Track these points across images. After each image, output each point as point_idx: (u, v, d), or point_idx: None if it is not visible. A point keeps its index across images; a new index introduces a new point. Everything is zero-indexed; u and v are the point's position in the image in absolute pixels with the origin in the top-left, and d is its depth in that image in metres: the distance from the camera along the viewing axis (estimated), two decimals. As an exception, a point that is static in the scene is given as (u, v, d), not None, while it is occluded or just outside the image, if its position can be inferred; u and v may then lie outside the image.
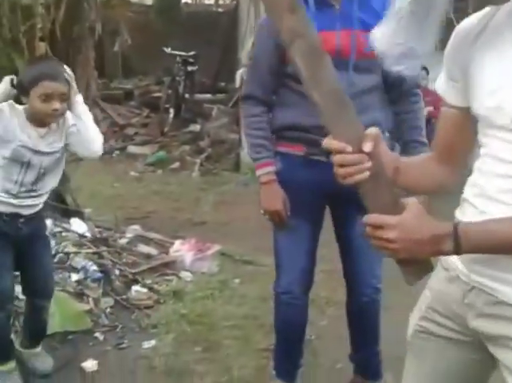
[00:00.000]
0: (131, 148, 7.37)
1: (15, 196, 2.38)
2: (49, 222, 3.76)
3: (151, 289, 3.49)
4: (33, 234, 2.49)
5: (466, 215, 1.22)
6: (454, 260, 1.23)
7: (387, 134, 2.29)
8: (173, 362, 2.83)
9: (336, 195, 2.12)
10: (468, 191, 1.24)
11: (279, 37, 1.96)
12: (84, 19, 7.93)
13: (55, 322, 2.98)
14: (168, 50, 8.16)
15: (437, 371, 1.33)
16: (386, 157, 1.19)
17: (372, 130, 1.13)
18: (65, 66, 2.44)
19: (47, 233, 2.64)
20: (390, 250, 1.10)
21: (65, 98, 2.32)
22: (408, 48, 1.16)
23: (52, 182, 2.48)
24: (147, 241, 4.18)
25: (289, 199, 2.24)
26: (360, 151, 1.10)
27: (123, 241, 4.00)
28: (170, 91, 8.16)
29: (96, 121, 8.55)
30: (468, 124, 1.24)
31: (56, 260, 3.34)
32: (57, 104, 2.28)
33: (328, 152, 2.14)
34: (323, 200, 2.30)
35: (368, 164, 1.10)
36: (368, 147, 1.09)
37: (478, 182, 1.21)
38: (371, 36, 1.20)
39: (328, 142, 1.12)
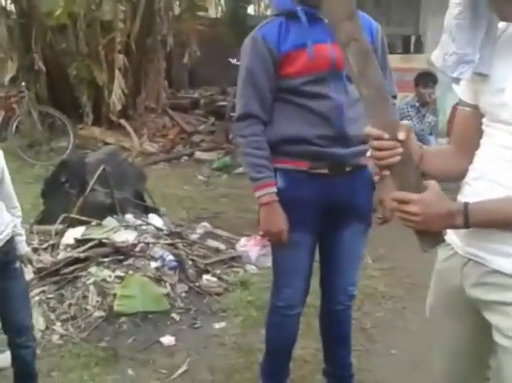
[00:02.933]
0: (199, 154, 7.78)
1: None
2: (129, 216, 4.19)
3: (220, 278, 3.83)
4: (2, 267, 2.32)
5: (465, 196, 1.41)
6: (453, 237, 1.45)
7: None
8: (241, 341, 3.15)
9: (335, 205, 2.21)
10: (469, 175, 1.44)
11: (276, 52, 2.12)
12: (156, 32, 8.52)
13: (137, 303, 3.37)
14: (234, 61, 8.54)
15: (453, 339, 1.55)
16: (413, 146, 1.41)
17: (405, 122, 1.37)
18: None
19: (17, 265, 2.39)
20: (412, 221, 1.33)
21: None
22: (461, 55, 1.35)
23: (3, 212, 2.33)
24: (216, 237, 4.51)
25: (291, 215, 2.19)
26: (395, 138, 1.32)
27: (194, 236, 4.36)
28: (234, 100, 8.53)
29: (166, 128, 9.06)
30: (479, 119, 1.43)
31: (137, 249, 3.74)
32: None
33: (332, 165, 2.20)
34: (323, 212, 2.25)
35: (400, 150, 1.32)
36: (401, 135, 1.32)
37: (478, 166, 1.42)
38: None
39: (368, 129, 1.33)
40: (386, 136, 1.31)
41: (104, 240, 3.69)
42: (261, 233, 2.30)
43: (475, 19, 1.32)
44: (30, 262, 2.64)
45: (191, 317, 3.41)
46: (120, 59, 7.71)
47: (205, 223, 4.75)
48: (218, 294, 3.66)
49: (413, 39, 7.74)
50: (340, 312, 2.45)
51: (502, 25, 1.38)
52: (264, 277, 3.86)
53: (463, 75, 1.37)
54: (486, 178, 1.38)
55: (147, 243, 3.78)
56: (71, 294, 3.39)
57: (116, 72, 7.63)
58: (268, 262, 4.16)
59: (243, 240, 4.38)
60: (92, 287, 3.40)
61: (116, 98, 7.58)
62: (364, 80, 1.29)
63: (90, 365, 2.91)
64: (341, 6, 1.26)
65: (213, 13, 13.11)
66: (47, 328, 3.19)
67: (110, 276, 3.47)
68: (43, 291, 3.39)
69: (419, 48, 7.66)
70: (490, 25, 1.35)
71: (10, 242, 2.36)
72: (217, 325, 3.33)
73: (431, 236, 1.37)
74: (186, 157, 7.80)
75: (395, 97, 2.38)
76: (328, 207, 2.23)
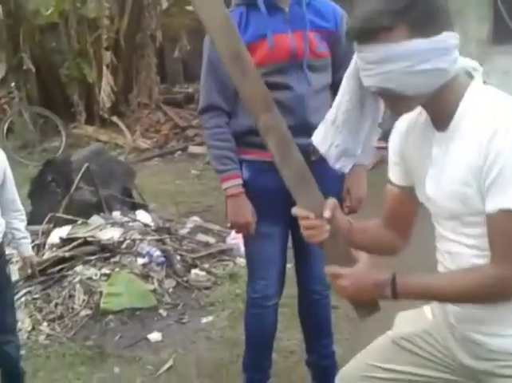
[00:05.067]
0: (192, 148, 7.75)
1: None
2: (116, 213, 4.17)
3: (208, 272, 3.81)
4: None
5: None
6: (448, 316, 1.43)
7: None
8: (228, 334, 3.14)
9: None
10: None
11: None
12: (145, 28, 8.47)
13: (123, 300, 3.36)
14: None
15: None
16: (342, 221, 1.46)
17: (331, 200, 1.42)
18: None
19: (7, 271, 2.45)
20: (343, 294, 1.39)
21: None
22: (344, 149, 1.44)
23: None
24: (206, 231, 4.49)
25: (259, 206, 2.18)
26: (321, 217, 1.38)
27: (184, 231, 4.34)
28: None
29: (159, 124, 9.01)
30: (409, 198, 1.47)
31: (124, 246, 3.72)
32: None
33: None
34: (291, 202, 2.32)
35: (327, 227, 1.39)
36: (327, 213, 1.39)
37: (437, 256, 1.46)
38: (313, 138, 1.48)
39: (295, 210, 1.41)
40: (312, 215, 1.38)
41: (89, 238, 3.68)
42: (228, 225, 2.29)
43: (361, 116, 1.40)
44: (32, 265, 2.64)
45: (179, 313, 3.40)
46: (108, 56, 7.69)
47: (195, 218, 4.74)
48: (206, 288, 3.65)
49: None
50: (317, 301, 2.44)
51: (410, 117, 1.41)
52: (253, 269, 3.85)
53: (345, 168, 1.47)
54: (443, 266, 1.43)
55: (134, 240, 3.77)
56: (57, 294, 3.38)
57: (104, 69, 7.60)
58: (257, 254, 4.16)
59: (233, 233, 4.36)
60: (78, 286, 3.40)
61: (105, 95, 7.55)
62: (286, 165, 1.38)
63: (76, 364, 2.91)
64: (259, 100, 1.34)
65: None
66: (33, 328, 3.19)
67: (96, 274, 3.46)
68: (29, 292, 3.39)
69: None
70: (373, 121, 1.43)
71: (1, 246, 2.36)
72: (204, 320, 3.32)
73: (366, 305, 1.44)
74: (179, 152, 7.78)
75: None
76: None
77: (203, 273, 3.79)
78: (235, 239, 4.30)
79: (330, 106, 2.20)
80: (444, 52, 1.22)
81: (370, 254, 1.43)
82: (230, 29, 1.31)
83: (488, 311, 1.32)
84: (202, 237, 4.32)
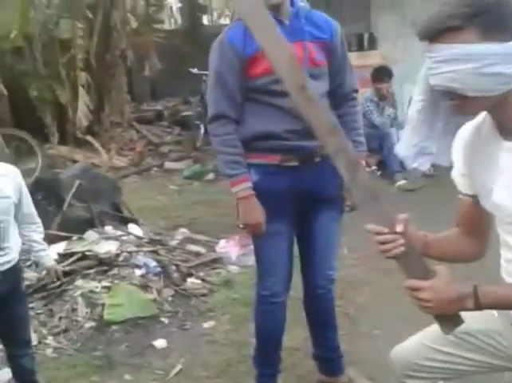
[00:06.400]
0: (168, 164, 7.84)
1: None
2: (109, 228, 4.26)
3: (204, 280, 3.92)
4: (9, 289, 2.39)
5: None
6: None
7: None
8: (232, 336, 3.26)
9: (307, 193, 2.34)
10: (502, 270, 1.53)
11: (242, 54, 2.25)
12: (115, 47, 8.56)
13: (126, 310, 3.45)
14: (195, 71, 8.65)
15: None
16: (416, 235, 1.50)
17: (402, 215, 1.45)
18: None
19: (23, 287, 2.56)
20: (426, 307, 1.39)
21: None
22: (422, 147, 1.47)
23: (15, 236, 2.40)
24: (195, 241, 4.60)
25: (268, 207, 2.30)
26: (394, 231, 1.41)
27: (174, 242, 4.44)
28: (199, 108, 8.65)
29: (133, 142, 9.03)
30: (480, 206, 1.49)
31: (121, 259, 3.81)
32: None
33: (302, 157, 2.35)
34: (297, 201, 2.38)
35: (402, 241, 1.40)
36: (399, 228, 1.41)
37: (501, 262, 1.50)
38: (397, 148, 1.54)
39: (369, 227, 1.43)
40: (385, 230, 1.41)
41: (86, 253, 3.75)
42: (240, 226, 2.41)
43: (435, 114, 1.43)
44: (57, 273, 2.72)
45: (180, 320, 3.50)
46: (83, 76, 7.74)
47: (183, 230, 4.84)
48: (203, 295, 3.75)
49: (366, 36, 7.96)
50: (322, 296, 2.57)
51: (473, 126, 1.47)
52: (247, 275, 3.97)
53: (423, 166, 1.48)
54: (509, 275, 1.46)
55: (130, 252, 3.86)
56: (60, 308, 3.44)
57: (80, 89, 7.65)
58: (249, 261, 4.27)
59: (222, 242, 4.48)
60: (80, 299, 3.47)
61: (82, 115, 7.59)
62: (355, 185, 1.43)
63: (87, 374, 2.97)
64: (326, 126, 1.43)
65: (167, 25, 13.23)
66: (39, 342, 3.23)
67: (97, 287, 3.54)
68: (32, 308, 3.43)
69: (373, 44, 7.88)
70: (448, 120, 1.45)
71: (17, 265, 2.44)
72: (206, 325, 3.42)
73: (449, 319, 1.45)
74: (156, 168, 7.86)
75: (356, 91, 2.52)
76: (301, 196, 2.36)
77: (199, 281, 3.90)
78: (225, 248, 4.43)
79: (330, 112, 2.40)
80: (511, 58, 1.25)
81: (450, 262, 1.47)
82: (295, 64, 1.45)
83: None
84: (192, 247, 4.43)
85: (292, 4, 2.31)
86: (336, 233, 2.57)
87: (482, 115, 1.43)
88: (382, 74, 6.62)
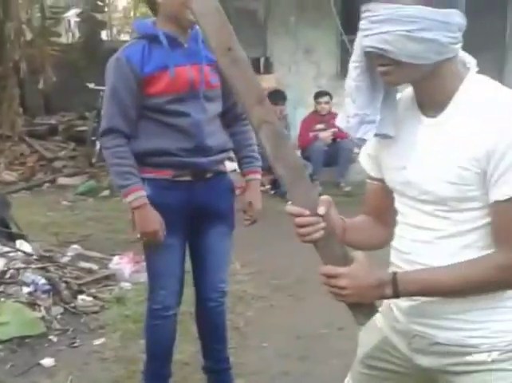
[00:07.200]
0: (62, 180, 7.66)
1: None
2: (-5, 244, 4.11)
3: (95, 297, 3.89)
4: None
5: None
6: (397, 314, 1.46)
7: (232, 153, 2.63)
8: (121, 353, 3.25)
9: (199, 208, 2.43)
10: (392, 254, 1.47)
11: (139, 73, 2.33)
12: (7, 58, 8.27)
13: (11, 329, 3.35)
14: (92, 86, 8.53)
15: None
16: (335, 219, 1.40)
17: (325, 197, 1.35)
18: None
19: None
20: (342, 295, 1.30)
21: None
22: (362, 115, 1.35)
23: None
24: (87, 258, 4.54)
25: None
26: (316, 214, 1.30)
27: (65, 259, 4.36)
28: (95, 124, 8.52)
29: (24, 156, 8.77)
30: (388, 190, 1.45)
31: (7, 276, 3.70)
32: None
33: (195, 173, 2.43)
34: (190, 215, 2.45)
35: (322, 225, 1.31)
36: (321, 210, 1.30)
37: (397, 246, 1.44)
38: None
39: (289, 208, 1.31)
40: (306, 212, 1.30)
41: (-30, 270, 3.61)
42: (138, 235, 2.42)
43: (373, 81, 1.34)
44: None
45: (70, 337, 3.44)
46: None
47: (75, 246, 4.76)
48: (94, 313, 3.72)
49: (262, 61, 8.23)
50: (213, 308, 2.64)
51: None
52: (139, 291, 3.97)
53: (367, 135, 1.37)
54: (406, 259, 1.40)
55: (18, 269, 3.75)
56: None
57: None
58: (141, 277, 4.28)
59: (116, 259, 4.46)
60: (-38, 319, 3.32)
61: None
62: (278, 160, 1.31)
63: (-33, 396, 2.87)
64: (252, 92, 1.30)
65: (64, 38, 12.93)
66: None
67: (-19, 305, 3.41)
68: None
69: (269, 68, 8.16)
70: (388, 95, 1.37)
71: None
72: (96, 342, 3.39)
73: (364, 308, 1.37)
74: (48, 184, 7.65)
75: None
76: (193, 210, 2.44)
77: (90, 298, 3.86)
78: (118, 265, 4.41)
79: (222, 131, 2.54)
80: (447, 27, 1.22)
81: (361, 250, 1.40)
82: (224, 26, 1.29)
83: (446, 304, 1.34)
84: (84, 264, 4.37)
85: (191, 27, 2.41)
86: (228, 248, 2.66)
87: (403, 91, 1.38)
88: (276, 97, 6.89)
